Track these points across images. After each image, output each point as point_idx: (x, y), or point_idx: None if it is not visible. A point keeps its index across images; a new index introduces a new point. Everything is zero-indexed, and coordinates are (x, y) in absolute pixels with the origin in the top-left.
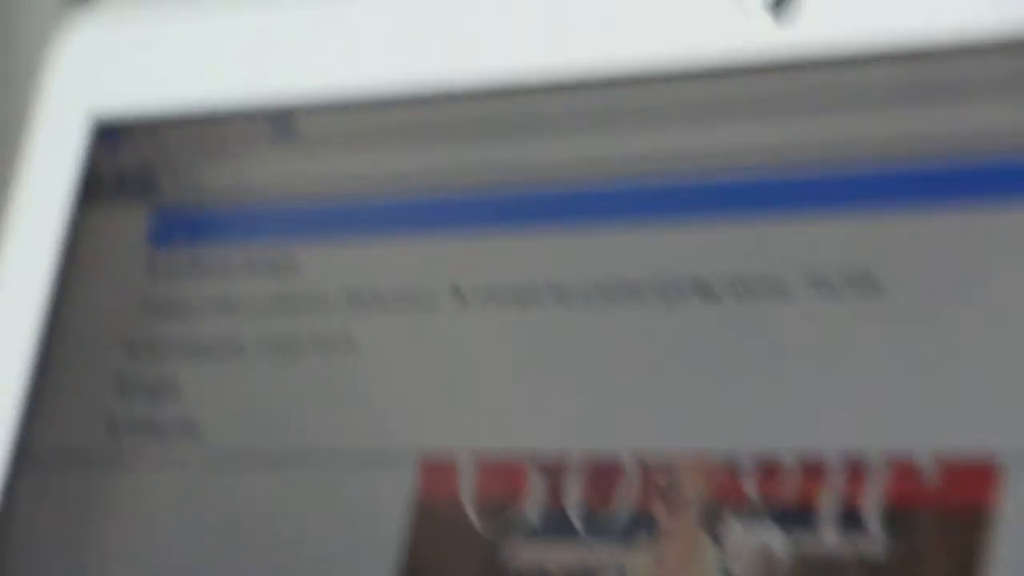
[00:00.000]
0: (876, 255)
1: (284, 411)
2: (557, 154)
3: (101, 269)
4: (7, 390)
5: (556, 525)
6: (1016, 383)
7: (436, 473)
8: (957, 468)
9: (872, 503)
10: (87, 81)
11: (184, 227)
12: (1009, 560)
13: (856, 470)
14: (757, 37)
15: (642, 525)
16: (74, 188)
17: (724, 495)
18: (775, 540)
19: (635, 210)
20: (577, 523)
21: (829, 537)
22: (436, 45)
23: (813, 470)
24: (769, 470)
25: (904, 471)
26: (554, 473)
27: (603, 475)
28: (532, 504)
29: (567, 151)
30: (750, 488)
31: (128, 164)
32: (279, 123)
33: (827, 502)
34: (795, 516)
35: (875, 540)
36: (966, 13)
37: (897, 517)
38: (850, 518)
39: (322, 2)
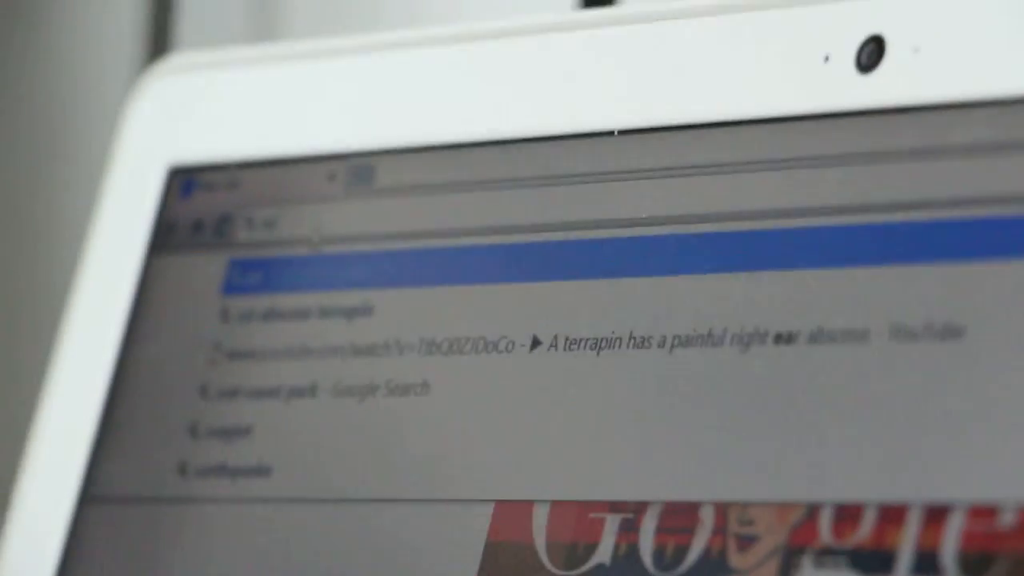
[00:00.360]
0: (960, 304)
1: (357, 455)
2: (637, 202)
3: (175, 315)
4: (79, 429)
5: (630, 569)
6: None
7: (510, 517)
8: None
9: (950, 548)
10: (165, 129)
11: (259, 274)
12: None
13: (935, 516)
14: (845, 87)
15: (717, 569)
16: (150, 235)
17: (801, 540)
18: None
19: (714, 259)
20: (651, 567)
21: None
22: (516, 93)
23: (892, 517)
24: (848, 515)
25: (984, 516)
26: (629, 517)
27: (679, 520)
28: (606, 549)
29: (649, 200)
30: (827, 533)
31: (204, 211)
32: (356, 170)
33: (905, 547)
34: (872, 560)
35: None
36: None
37: (976, 562)
38: (928, 563)
39: (400, 50)
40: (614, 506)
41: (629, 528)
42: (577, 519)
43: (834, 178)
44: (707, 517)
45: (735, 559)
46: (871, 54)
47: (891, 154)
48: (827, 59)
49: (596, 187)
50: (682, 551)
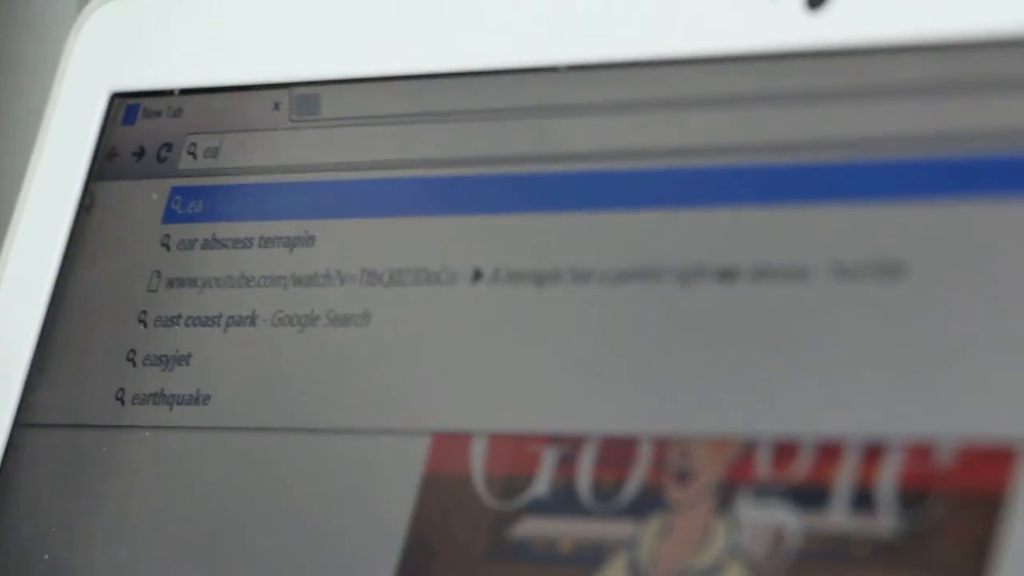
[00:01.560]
0: (901, 242)
1: (296, 384)
2: (581, 137)
3: (116, 242)
4: (15, 355)
5: (567, 501)
6: None
7: (447, 448)
8: (974, 453)
9: (887, 485)
10: (109, 55)
11: (201, 202)
12: (1020, 543)
13: (872, 452)
14: (789, 26)
15: (654, 502)
16: (91, 161)
17: (738, 475)
18: (788, 519)
19: (658, 194)
20: (588, 499)
21: (842, 517)
22: (461, 25)
23: (829, 452)
24: (785, 451)
25: (921, 454)
26: (566, 450)
27: (616, 453)
28: (543, 480)
29: (591, 134)
30: (764, 468)
31: (147, 138)
32: (301, 100)
33: (842, 483)
34: (809, 496)
35: (888, 521)
36: (998, 5)
37: (911, 499)
38: (864, 499)
39: None
40: (552, 439)
41: (566, 461)
42: (515, 452)
43: (778, 116)
44: (644, 451)
45: (672, 493)
46: None
47: (836, 93)
48: None
49: (540, 121)
50: (619, 485)
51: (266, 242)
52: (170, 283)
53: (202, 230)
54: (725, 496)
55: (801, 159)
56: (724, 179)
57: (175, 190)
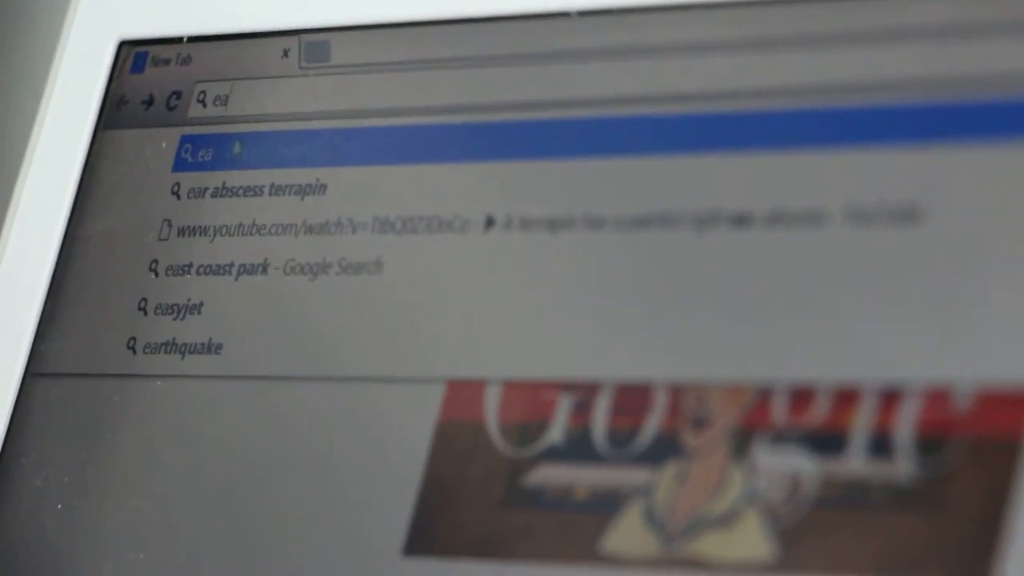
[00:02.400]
0: (917, 187)
1: (308, 332)
2: (594, 83)
3: (126, 191)
4: (26, 305)
5: (582, 448)
6: None
7: (462, 396)
8: (992, 397)
9: (905, 430)
10: (116, 6)
11: (211, 150)
12: None
13: (890, 398)
14: None
15: (670, 449)
16: (100, 109)
17: (755, 421)
18: (804, 465)
19: (671, 140)
20: (603, 446)
21: (859, 463)
22: None
23: (846, 397)
24: (801, 397)
25: (939, 399)
26: (581, 397)
27: (631, 399)
28: (558, 427)
29: (604, 80)
30: (781, 414)
31: (156, 86)
32: (311, 47)
33: (859, 429)
34: (826, 442)
35: (906, 467)
36: None
37: (929, 445)
38: (882, 445)
39: None
40: (566, 386)
41: (581, 408)
42: (529, 399)
43: (793, 60)
44: (660, 398)
45: (688, 440)
46: None
47: (851, 36)
48: None
49: (553, 67)
50: (634, 431)
51: (277, 190)
52: (181, 232)
53: (212, 178)
54: (741, 442)
55: (816, 103)
56: (738, 124)
57: (185, 138)
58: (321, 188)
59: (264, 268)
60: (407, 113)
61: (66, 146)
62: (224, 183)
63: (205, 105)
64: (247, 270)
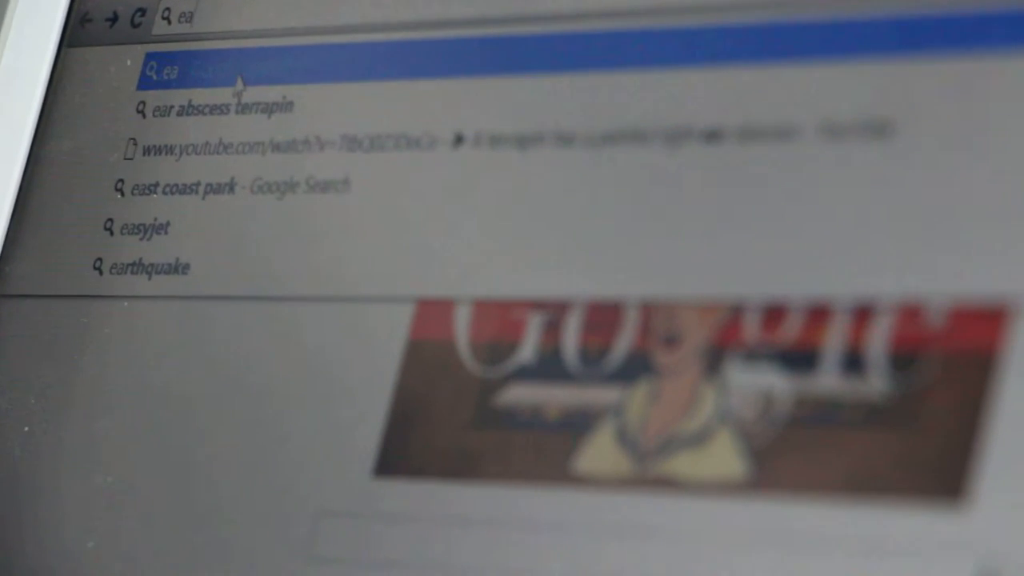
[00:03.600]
0: (888, 100)
1: (276, 252)
2: None
3: (90, 109)
4: None
5: (552, 367)
6: None
7: (431, 315)
8: (965, 312)
9: (878, 346)
10: None
11: (176, 68)
12: (1014, 403)
13: (862, 314)
14: None
15: (641, 367)
16: (63, 27)
17: (726, 339)
18: (777, 383)
19: (641, 55)
20: (574, 365)
21: (832, 380)
22: None
23: (818, 313)
24: (773, 313)
25: (911, 314)
26: (552, 316)
27: (602, 317)
28: (528, 346)
29: None
30: (752, 331)
31: (119, 3)
32: None
33: (832, 346)
34: (798, 359)
35: (880, 383)
36: None
37: (902, 360)
38: (854, 361)
39: None
40: (536, 304)
41: (552, 327)
42: (499, 318)
43: None
44: (631, 316)
45: (659, 358)
46: None
47: None
48: None
49: None
50: (605, 350)
51: (244, 108)
52: (146, 151)
53: (178, 96)
54: (713, 360)
55: (787, 17)
56: (709, 38)
57: (149, 56)
58: (288, 106)
59: (231, 187)
60: (374, 29)
61: (29, 65)
62: (190, 101)
63: (170, 22)
64: (214, 189)
